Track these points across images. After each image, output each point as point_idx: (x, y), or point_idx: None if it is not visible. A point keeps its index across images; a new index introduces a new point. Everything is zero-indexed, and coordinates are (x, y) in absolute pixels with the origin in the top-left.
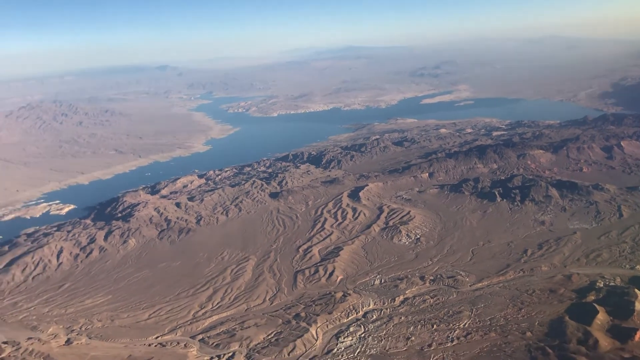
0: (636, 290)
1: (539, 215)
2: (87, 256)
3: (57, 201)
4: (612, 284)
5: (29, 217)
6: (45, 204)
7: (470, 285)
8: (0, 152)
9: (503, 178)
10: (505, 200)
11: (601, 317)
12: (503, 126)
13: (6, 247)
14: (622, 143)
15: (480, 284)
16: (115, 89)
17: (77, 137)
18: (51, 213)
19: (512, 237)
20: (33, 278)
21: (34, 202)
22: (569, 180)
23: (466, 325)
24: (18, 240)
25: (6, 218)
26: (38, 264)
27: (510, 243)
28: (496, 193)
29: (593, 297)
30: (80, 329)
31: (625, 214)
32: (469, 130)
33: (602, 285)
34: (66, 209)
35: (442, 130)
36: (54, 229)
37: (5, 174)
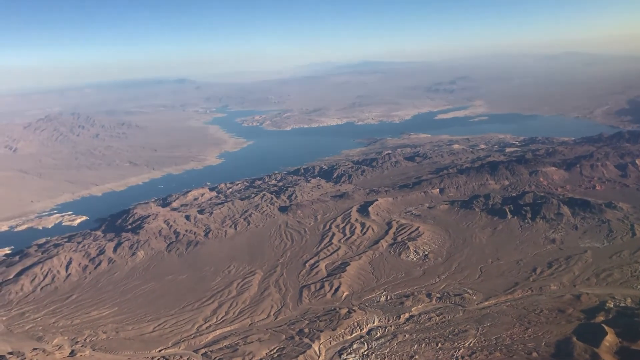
0: None
1: (549, 233)
2: (95, 267)
3: (70, 212)
4: (622, 304)
5: (41, 228)
6: (58, 214)
7: (477, 304)
8: (17, 163)
9: (514, 195)
10: (515, 217)
11: (610, 338)
12: (517, 142)
13: (17, 258)
14: (637, 161)
15: (488, 303)
16: (133, 102)
17: (92, 149)
18: (63, 224)
19: (522, 255)
20: (41, 289)
21: (47, 213)
22: (581, 198)
23: (471, 345)
24: (29, 250)
25: (19, 228)
26: (47, 274)
27: (519, 261)
28: (507, 210)
29: (602, 318)
30: (85, 340)
31: (638, 233)
32: (482, 146)
33: (612, 305)
34: (78, 220)
35: (455, 146)
36: (65, 240)
37: (20, 185)
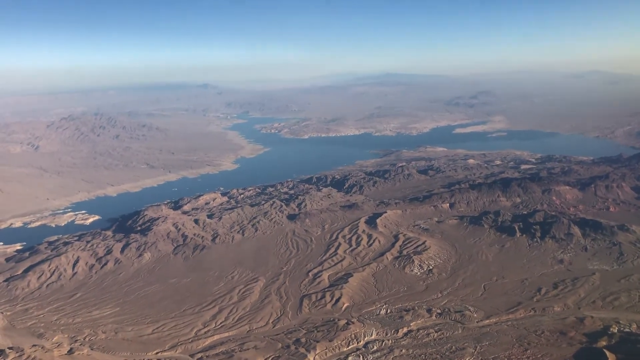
0: None
1: (558, 253)
2: (102, 267)
3: (84, 211)
4: (627, 330)
5: (54, 226)
6: (72, 213)
7: (477, 322)
8: (38, 161)
9: (525, 213)
10: (524, 235)
11: None
12: (533, 160)
13: (27, 254)
14: None
15: (488, 321)
16: (155, 105)
17: (111, 150)
18: (76, 222)
19: (528, 274)
20: (47, 286)
21: (61, 211)
22: (593, 219)
23: None
24: (39, 247)
25: (33, 225)
26: (54, 272)
27: (524, 280)
28: (516, 228)
29: (605, 343)
30: (84, 339)
31: None
32: (498, 162)
33: (616, 330)
34: (91, 220)
35: (470, 161)
36: (75, 238)
37: (38, 182)
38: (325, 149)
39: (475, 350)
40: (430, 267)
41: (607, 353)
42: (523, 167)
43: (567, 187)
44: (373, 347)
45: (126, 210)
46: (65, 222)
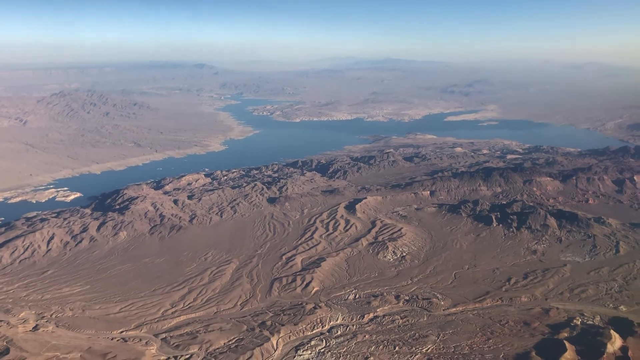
0: (612, 331)
1: (532, 244)
2: (76, 245)
3: (66, 188)
4: (589, 322)
5: (34, 202)
6: (53, 189)
7: (443, 310)
8: (24, 136)
9: (504, 203)
10: (501, 225)
11: (568, 355)
12: (520, 150)
13: (2, 229)
14: (635, 177)
15: (454, 309)
16: (150, 83)
17: (100, 127)
18: (57, 199)
19: (500, 263)
20: (20, 262)
21: (43, 187)
22: (570, 211)
23: (429, 351)
24: (16, 223)
25: (13, 200)
26: (27, 248)
27: (495, 270)
28: (493, 217)
29: (566, 334)
30: (50, 316)
31: (622, 250)
32: (485, 151)
33: (579, 322)
34: (72, 197)
35: (457, 149)
36: (54, 215)
37: (23, 158)
38: (315, 133)
39: (438, 338)
40: (404, 254)
41: (567, 344)
42: (509, 156)
43: (549, 179)
44: (337, 331)
45: (109, 188)
46: (46, 199)
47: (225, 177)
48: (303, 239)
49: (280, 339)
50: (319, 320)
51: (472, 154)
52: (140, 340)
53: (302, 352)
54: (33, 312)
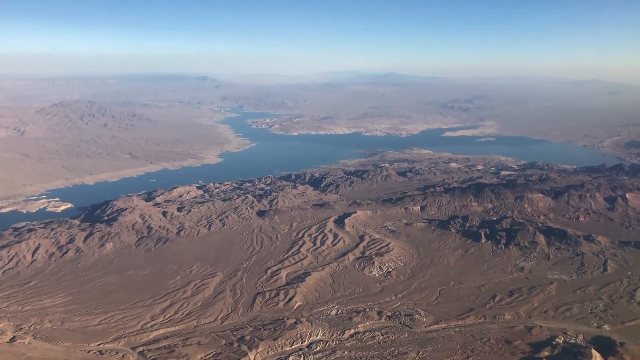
0: (594, 351)
1: (520, 261)
2: (62, 256)
3: (57, 199)
4: (572, 341)
5: (24, 212)
6: (45, 200)
7: (425, 326)
8: (21, 146)
9: (494, 219)
10: (489, 241)
11: None
12: (515, 166)
13: None
14: (627, 195)
15: (437, 326)
16: (151, 95)
17: (97, 138)
18: (47, 210)
19: (486, 280)
20: (4, 272)
21: (35, 198)
22: (559, 228)
23: None
24: (4, 233)
25: (4, 210)
26: (12, 258)
27: (481, 287)
28: (482, 233)
29: (547, 354)
30: (29, 327)
31: (610, 269)
32: (480, 167)
33: (561, 341)
34: (63, 207)
35: (452, 165)
36: (42, 225)
37: (17, 168)
38: (312, 147)
39: (418, 355)
40: (390, 270)
41: None
42: (503, 173)
43: (541, 195)
44: (316, 347)
45: (100, 199)
46: (37, 209)
47: (217, 190)
48: (290, 252)
49: (258, 354)
50: (298, 335)
51: (467, 169)
52: (117, 353)
53: None
54: (12, 323)
